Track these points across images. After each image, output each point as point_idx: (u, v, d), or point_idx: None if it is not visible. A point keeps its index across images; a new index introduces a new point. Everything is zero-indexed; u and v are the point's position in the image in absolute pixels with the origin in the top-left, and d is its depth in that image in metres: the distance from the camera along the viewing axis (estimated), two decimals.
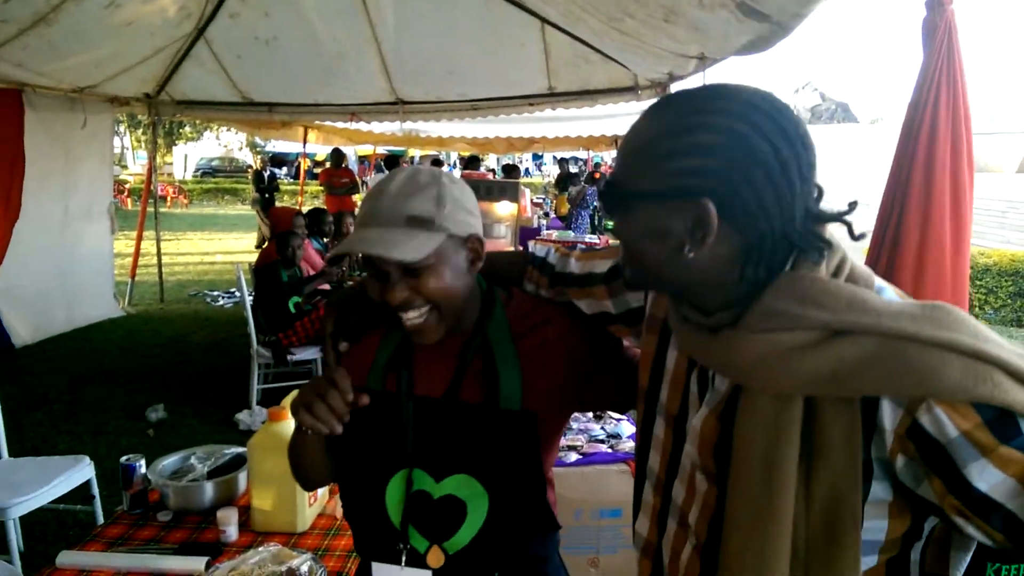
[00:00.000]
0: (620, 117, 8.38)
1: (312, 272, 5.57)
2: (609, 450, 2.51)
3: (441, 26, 5.58)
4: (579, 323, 1.26)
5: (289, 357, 4.73)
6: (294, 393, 1.88)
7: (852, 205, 0.88)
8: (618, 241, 0.95)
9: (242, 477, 1.98)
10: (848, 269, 0.86)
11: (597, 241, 9.11)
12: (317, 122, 9.65)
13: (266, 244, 5.67)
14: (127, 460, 1.95)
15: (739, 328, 0.86)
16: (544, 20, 5.23)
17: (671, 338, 1.04)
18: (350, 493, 1.29)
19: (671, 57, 4.41)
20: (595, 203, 11.42)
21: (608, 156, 20.31)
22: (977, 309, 9.39)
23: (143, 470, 1.96)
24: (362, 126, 8.90)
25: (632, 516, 1.15)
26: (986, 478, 0.73)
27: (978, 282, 9.43)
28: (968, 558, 0.86)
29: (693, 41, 3.66)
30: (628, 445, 2.45)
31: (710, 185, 0.82)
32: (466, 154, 14.03)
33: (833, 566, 0.82)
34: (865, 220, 1.08)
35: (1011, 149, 19.37)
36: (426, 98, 6.96)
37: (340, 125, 9.34)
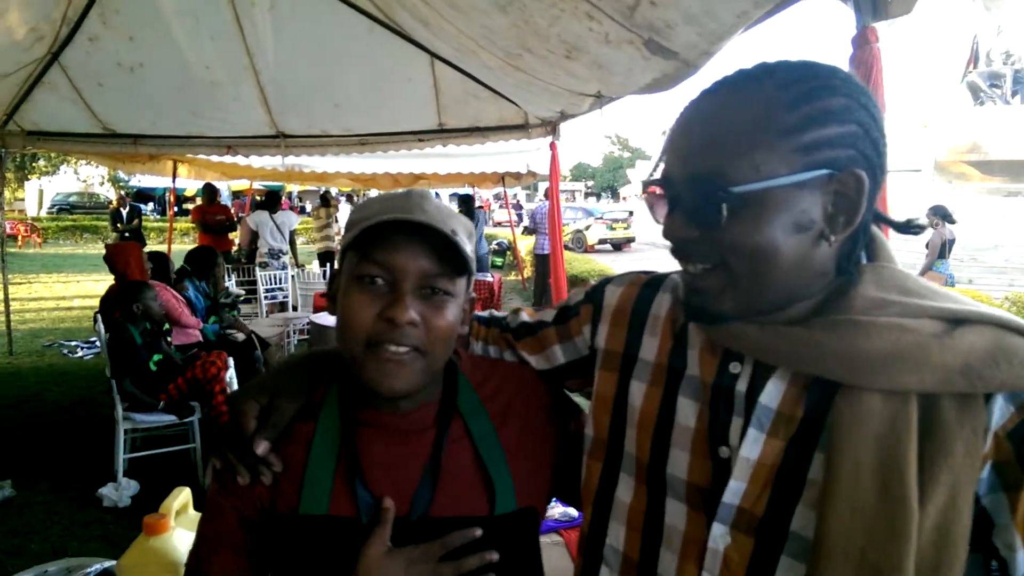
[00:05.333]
0: (510, 155, 8.36)
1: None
2: None
3: (325, 56, 5.30)
4: (538, 383, 1.07)
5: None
6: (177, 491, 1.58)
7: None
8: (712, 259, 0.77)
9: None
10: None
11: (492, 279, 9.02)
12: (189, 155, 9.03)
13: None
14: None
15: (839, 318, 0.74)
16: (433, 55, 5.09)
17: (633, 374, 0.90)
18: None
19: (566, 95, 4.37)
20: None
21: (489, 194, 20.22)
22: None
23: None
24: (239, 160, 8.39)
25: None
26: None
27: None
28: None
29: (593, 79, 3.62)
30: (557, 511, 2.24)
31: (850, 154, 0.71)
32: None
33: None
34: None
35: None
36: (309, 131, 6.61)
37: (215, 159, 8.77)
